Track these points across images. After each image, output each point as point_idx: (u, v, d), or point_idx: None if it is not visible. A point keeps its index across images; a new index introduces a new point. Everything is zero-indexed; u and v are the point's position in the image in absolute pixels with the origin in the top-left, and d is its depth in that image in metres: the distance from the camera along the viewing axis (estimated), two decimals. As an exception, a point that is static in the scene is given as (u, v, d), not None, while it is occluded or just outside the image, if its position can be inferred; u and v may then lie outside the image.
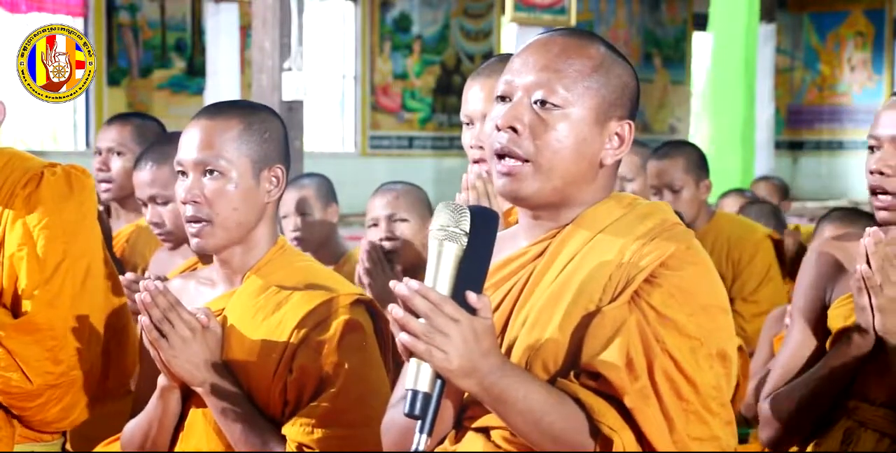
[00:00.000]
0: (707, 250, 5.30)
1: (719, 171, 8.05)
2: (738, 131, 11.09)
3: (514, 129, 2.02)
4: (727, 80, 11.10)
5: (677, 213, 2.14)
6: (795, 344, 2.71)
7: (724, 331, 2.00)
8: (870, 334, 2.52)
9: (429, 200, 4.04)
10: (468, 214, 1.89)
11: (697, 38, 20.96)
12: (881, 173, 2.55)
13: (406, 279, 1.84)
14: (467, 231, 1.88)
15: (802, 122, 21.37)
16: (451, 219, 1.88)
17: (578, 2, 13.80)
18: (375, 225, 3.92)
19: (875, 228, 2.51)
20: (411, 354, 1.85)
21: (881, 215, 2.58)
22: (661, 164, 4.74)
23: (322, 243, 4.67)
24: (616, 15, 20.14)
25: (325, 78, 16.93)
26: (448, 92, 17.75)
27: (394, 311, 1.84)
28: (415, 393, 1.84)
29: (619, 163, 2.10)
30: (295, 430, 2.44)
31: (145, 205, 3.59)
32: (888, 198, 2.56)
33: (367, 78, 17.52)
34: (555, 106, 2.01)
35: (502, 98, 2.06)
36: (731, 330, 2.02)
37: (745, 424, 4.00)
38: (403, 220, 3.88)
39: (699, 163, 4.80)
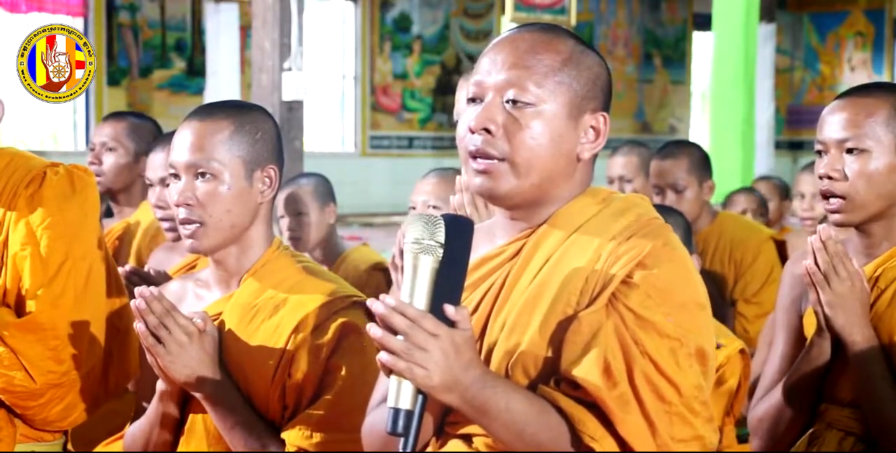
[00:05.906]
0: (710, 251, 5.26)
1: (719, 171, 8.00)
2: (738, 131, 11.06)
3: (488, 131, 1.98)
4: (727, 80, 11.08)
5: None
6: (779, 356, 2.74)
7: (702, 329, 1.98)
8: (825, 331, 2.53)
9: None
10: (443, 225, 1.86)
11: (697, 37, 20.97)
12: (829, 178, 2.56)
13: (383, 296, 1.82)
14: (442, 242, 1.85)
15: (802, 122, 21.37)
16: (426, 231, 1.85)
17: (578, 2, 13.79)
18: (414, 207, 3.89)
19: (824, 225, 2.54)
20: (391, 371, 1.82)
21: (833, 218, 2.58)
22: (664, 164, 4.71)
23: (319, 243, 4.66)
24: (616, 15, 20.14)
25: (325, 78, 16.94)
26: (448, 92, 17.74)
27: (371, 331, 1.81)
28: (396, 411, 1.82)
29: (596, 156, 2.06)
30: (294, 434, 2.43)
31: (153, 187, 3.61)
32: (837, 201, 2.56)
33: (367, 78, 17.53)
34: (527, 104, 1.98)
35: (473, 100, 2.03)
36: (709, 326, 2.00)
37: (746, 424, 3.98)
38: (436, 208, 3.84)
39: (703, 164, 4.78)
